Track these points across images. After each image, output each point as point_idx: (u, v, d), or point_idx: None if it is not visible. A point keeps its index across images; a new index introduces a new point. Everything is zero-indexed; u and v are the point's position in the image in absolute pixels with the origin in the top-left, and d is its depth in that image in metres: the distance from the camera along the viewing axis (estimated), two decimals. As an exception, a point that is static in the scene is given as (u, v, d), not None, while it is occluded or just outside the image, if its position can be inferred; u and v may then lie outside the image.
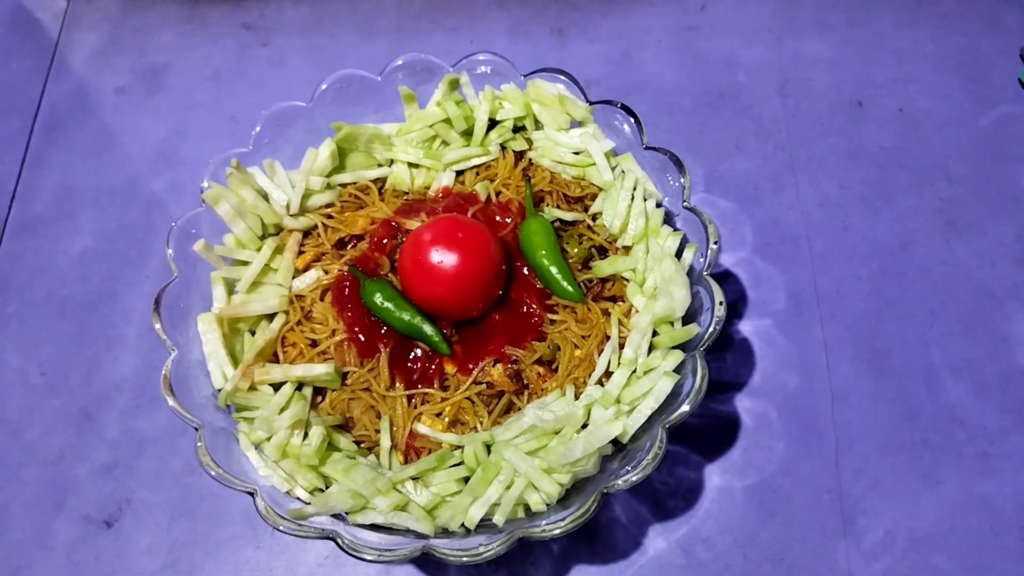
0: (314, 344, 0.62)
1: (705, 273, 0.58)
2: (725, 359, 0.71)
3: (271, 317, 0.63)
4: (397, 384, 0.60)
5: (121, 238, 0.78)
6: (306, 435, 0.58)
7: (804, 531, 0.64)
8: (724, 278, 0.74)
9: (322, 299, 0.63)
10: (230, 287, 0.63)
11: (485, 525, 0.55)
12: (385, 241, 0.64)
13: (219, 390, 0.59)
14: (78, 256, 0.78)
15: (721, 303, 0.55)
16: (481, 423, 0.59)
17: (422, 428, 0.58)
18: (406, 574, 0.64)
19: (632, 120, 0.64)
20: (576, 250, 0.64)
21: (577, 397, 0.58)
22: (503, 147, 0.69)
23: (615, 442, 0.57)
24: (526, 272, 0.63)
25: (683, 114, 0.83)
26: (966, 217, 0.76)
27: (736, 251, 0.75)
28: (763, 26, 0.87)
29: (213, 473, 0.53)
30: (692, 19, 0.88)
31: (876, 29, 0.86)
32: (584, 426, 0.56)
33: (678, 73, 0.85)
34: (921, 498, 0.65)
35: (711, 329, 0.56)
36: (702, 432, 0.68)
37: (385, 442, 0.59)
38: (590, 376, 0.59)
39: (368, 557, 0.51)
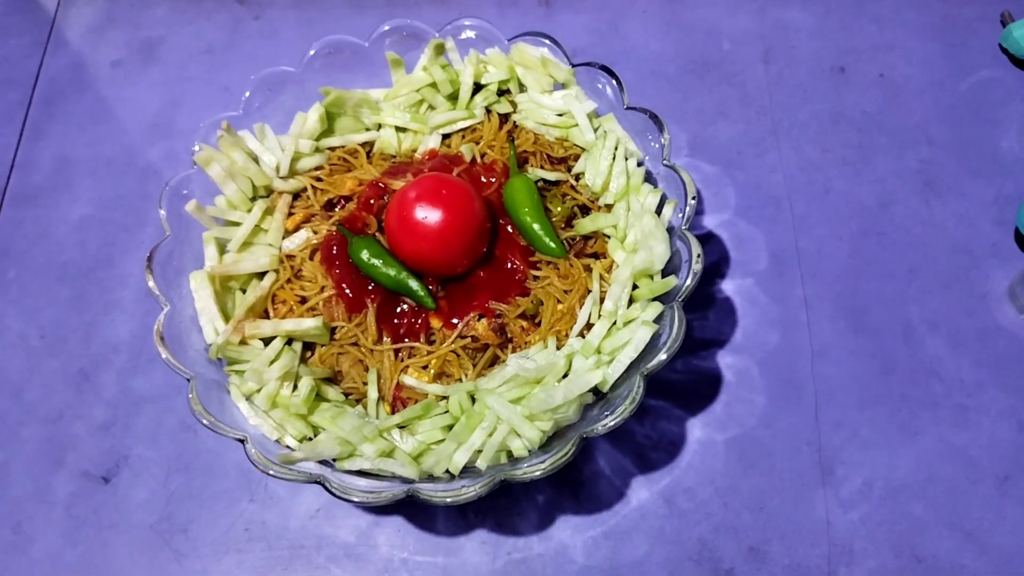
0: (303, 301, 0.63)
1: (684, 228, 0.59)
2: (708, 317, 0.72)
3: (262, 276, 0.65)
4: (384, 338, 0.62)
5: (117, 206, 0.80)
6: (295, 387, 0.59)
7: (784, 481, 0.66)
8: (708, 239, 0.76)
9: (311, 258, 0.65)
10: (222, 247, 0.65)
11: (469, 471, 0.57)
12: (372, 201, 0.66)
13: (211, 345, 0.60)
14: (76, 224, 0.79)
15: (699, 256, 0.57)
16: (466, 375, 0.60)
17: (408, 380, 0.60)
18: (395, 527, 0.65)
19: (614, 82, 0.66)
20: (559, 209, 0.65)
21: (559, 348, 0.60)
22: (488, 110, 0.71)
23: (596, 392, 0.58)
24: (510, 230, 0.65)
25: (668, 82, 0.84)
26: (945, 179, 0.77)
27: (719, 213, 0.77)
28: (747, -5, 0.88)
29: (205, 422, 0.55)
30: (677, -11, 0.89)
31: (858, -4, 0.88)
32: (566, 376, 0.58)
33: (663, 42, 0.86)
34: (899, 449, 0.66)
35: (688, 281, 0.57)
36: (685, 387, 0.69)
37: (373, 394, 0.60)
38: (572, 329, 0.61)
39: (355, 499, 0.53)
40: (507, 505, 0.65)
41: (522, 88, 0.71)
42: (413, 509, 0.66)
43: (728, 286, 0.73)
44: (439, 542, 0.65)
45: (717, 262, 0.74)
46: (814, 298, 0.72)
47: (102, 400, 0.71)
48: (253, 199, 0.68)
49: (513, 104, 0.71)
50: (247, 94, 0.68)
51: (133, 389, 0.71)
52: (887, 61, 0.84)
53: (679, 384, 0.69)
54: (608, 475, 0.66)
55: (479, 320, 0.61)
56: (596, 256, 0.64)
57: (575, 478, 0.66)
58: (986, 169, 0.77)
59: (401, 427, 0.58)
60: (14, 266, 0.77)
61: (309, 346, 0.63)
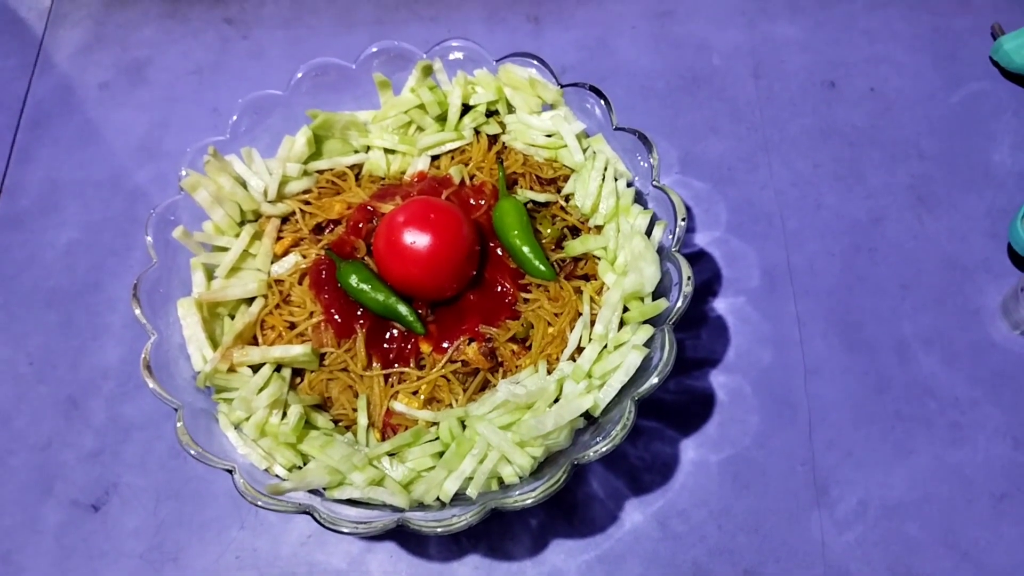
0: (292, 326, 0.63)
1: (674, 249, 0.59)
2: (700, 336, 0.72)
3: (250, 301, 0.64)
4: (374, 364, 0.61)
5: (106, 230, 0.80)
6: (284, 415, 0.59)
7: (778, 502, 0.65)
8: (699, 257, 0.75)
9: (300, 283, 0.64)
10: (210, 273, 0.65)
11: (460, 499, 0.57)
12: (361, 225, 0.65)
13: (199, 372, 0.60)
14: (64, 248, 0.79)
15: (689, 278, 0.56)
16: (456, 400, 0.60)
17: (398, 406, 0.60)
18: (387, 552, 0.65)
19: (602, 102, 0.65)
20: (549, 231, 0.65)
21: (550, 373, 0.59)
22: (477, 131, 0.70)
23: (588, 416, 0.58)
24: (500, 253, 0.64)
25: (658, 98, 0.84)
26: (937, 193, 0.77)
27: (711, 231, 0.76)
28: (736, 10, 0.88)
29: (193, 452, 0.54)
30: (666, 4, 0.89)
31: (848, 10, 0.87)
32: (557, 401, 0.57)
33: (653, 58, 0.86)
34: (893, 468, 0.66)
35: (679, 304, 0.57)
36: (678, 408, 0.69)
37: (362, 420, 0.60)
38: (562, 352, 0.60)
39: (345, 530, 0.52)
40: (500, 529, 0.65)
41: (511, 109, 0.70)
42: (405, 534, 0.65)
43: (720, 304, 0.73)
44: (431, 568, 0.64)
45: (709, 280, 0.74)
46: (807, 315, 0.72)
47: (91, 427, 0.70)
48: (241, 224, 0.67)
49: (502, 125, 0.70)
50: (234, 118, 0.68)
51: (122, 416, 0.71)
52: (878, 75, 0.84)
53: (672, 404, 0.69)
54: (602, 498, 0.66)
55: (469, 344, 0.61)
56: (586, 278, 0.64)
57: (568, 501, 0.66)
58: (978, 183, 0.77)
59: (391, 454, 0.58)
60: (2, 292, 0.77)
61: (298, 372, 0.62)
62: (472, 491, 0.55)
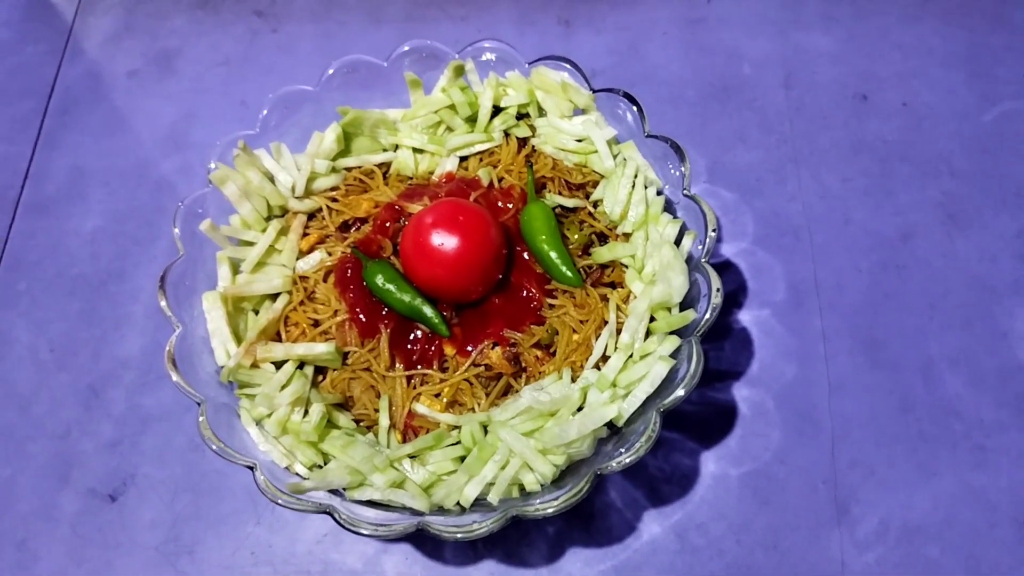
0: (316, 324, 0.63)
1: (703, 260, 0.58)
2: (724, 348, 0.71)
3: (275, 297, 0.64)
4: (397, 364, 0.61)
5: (131, 219, 0.80)
6: (306, 412, 0.59)
7: (798, 519, 0.65)
8: (725, 268, 0.75)
9: (325, 280, 0.64)
10: (235, 267, 0.65)
11: (480, 504, 0.56)
12: (388, 224, 0.65)
13: (222, 367, 0.60)
14: (88, 236, 0.79)
15: (718, 290, 0.56)
16: (479, 404, 0.59)
17: (420, 408, 0.59)
18: (403, 554, 0.65)
19: (635, 108, 0.65)
20: (576, 236, 0.64)
21: (574, 380, 0.59)
22: (507, 134, 0.70)
23: (611, 426, 0.57)
24: (526, 257, 0.64)
25: (688, 105, 0.83)
26: (968, 211, 0.76)
27: (737, 242, 0.76)
28: (769, 19, 0.87)
29: (214, 447, 0.54)
30: (698, 12, 0.88)
31: (881, 23, 0.86)
32: (580, 409, 0.57)
33: (683, 65, 0.86)
34: (916, 489, 0.65)
35: (707, 315, 0.56)
36: (699, 420, 0.68)
37: (384, 421, 0.59)
38: (587, 360, 0.60)
39: (364, 531, 0.52)
40: (517, 536, 0.64)
41: (541, 112, 0.70)
42: (422, 537, 0.65)
43: (745, 316, 0.72)
44: (447, 572, 0.64)
45: (734, 291, 0.73)
46: (832, 331, 0.71)
47: (110, 417, 0.70)
48: (268, 219, 0.67)
49: (532, 128, 0.70)
50: (264, 112, 0.68)
51: (142, 406, 0.71)
52: (910, 89, 0.83)
53: (693, 416, 0.68)
54: (620, 508, 0.65)
55: (493, 348, 0.61)
56: (613, 285, 0.64)
57: (586, 510, 0.65)
58: (1010, 203, 0.76)
59: (412, 457, 0.58)
60: (25, 278, 0.77)
61: (321, 370, 0.62)
62: (493, 497, 0.55)
